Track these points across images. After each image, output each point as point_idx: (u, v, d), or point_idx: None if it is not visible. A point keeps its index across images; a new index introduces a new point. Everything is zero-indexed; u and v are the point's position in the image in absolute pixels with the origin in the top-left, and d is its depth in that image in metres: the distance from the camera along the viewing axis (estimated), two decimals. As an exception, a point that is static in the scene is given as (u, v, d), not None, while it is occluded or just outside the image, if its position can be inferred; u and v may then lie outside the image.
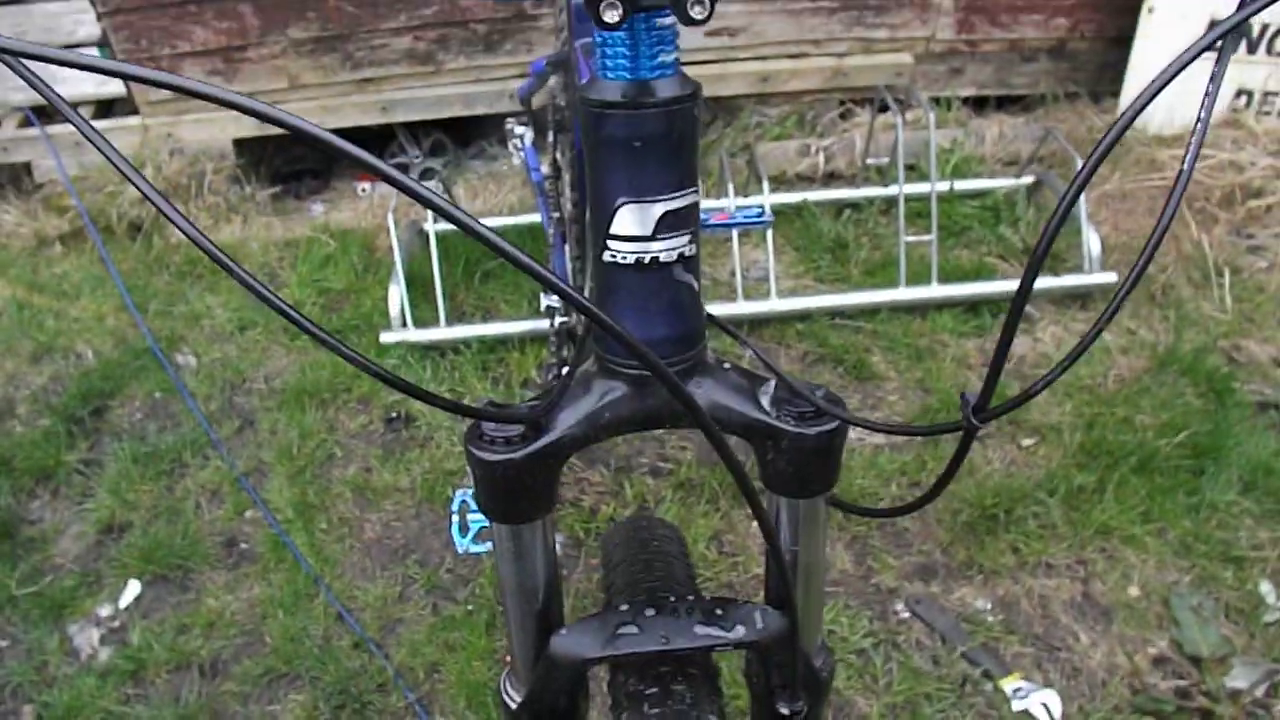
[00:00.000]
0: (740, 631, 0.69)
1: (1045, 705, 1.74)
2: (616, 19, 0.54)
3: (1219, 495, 2.03)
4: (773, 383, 0.67)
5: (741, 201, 2.46)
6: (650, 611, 0.70)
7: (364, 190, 3.10)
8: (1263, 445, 2.13)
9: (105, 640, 1.91)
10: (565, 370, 0.68)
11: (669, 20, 0.57)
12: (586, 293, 1.48)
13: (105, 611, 1.96)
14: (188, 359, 2.52)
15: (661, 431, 2.19)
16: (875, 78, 2.91)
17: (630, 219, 0.60)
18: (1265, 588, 1.90)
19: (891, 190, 2.53)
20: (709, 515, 2.01)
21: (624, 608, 0.70)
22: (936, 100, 3.06)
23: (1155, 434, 2.14)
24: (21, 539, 2.10)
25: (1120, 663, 1.81)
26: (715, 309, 2.39)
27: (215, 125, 2.92)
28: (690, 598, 0.73)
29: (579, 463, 2.14)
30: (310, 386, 2.36)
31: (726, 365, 0.68)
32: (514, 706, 0.74)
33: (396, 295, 2.39)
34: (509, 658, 0.75)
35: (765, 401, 0.66)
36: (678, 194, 0.60)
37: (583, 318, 1.64)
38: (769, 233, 2.38)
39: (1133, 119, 0.50)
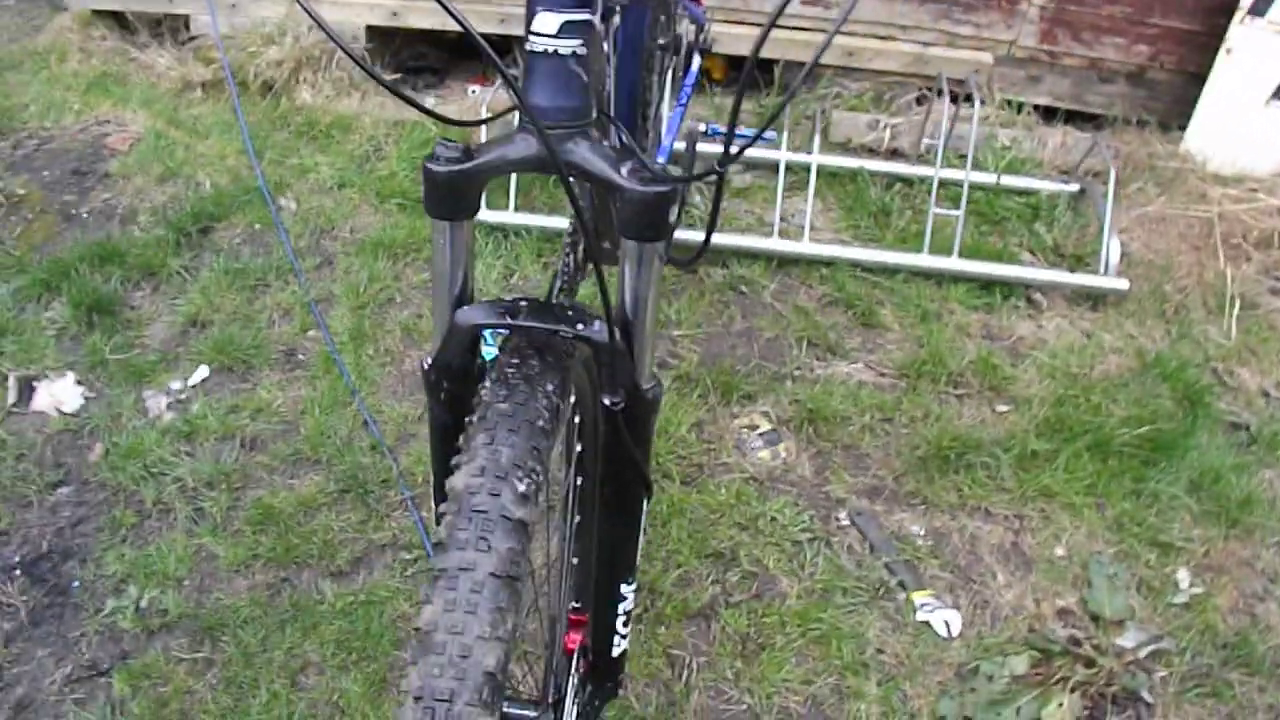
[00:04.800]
0: (580, 328, 0.97)
1: (946, 621, 1.95)
2: None
3: (1164, 487, 2.21)
4: (633, 161, 0.95)
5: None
6: (524, 303, 0.98)
7: (474, 91, 3.41)
8: (1221, 456, 2.29)
9: (171, 407, 2.26)
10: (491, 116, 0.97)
11: None
12: None
13: (176, 385, 2.31)
14: (289, 203, 2.87)
15: (677, 333, 2.47)
16: (954, 71, 3.10)
17: (542, 21, 0.88)
18: (1182, 575, 2.08)
19: (931, 170, 2.74)
20: (697, 407, 2.28)
21: (510, 299, 0.98)
22: (1009, 103, 3.24)
23: (1119, 423, 2.32)
24: (121, 318, 2.47)
25: (1027, 605, 2.01)
26: (751, 242, 2.64)
27: (352, 9, 3.25)
28: (556, 302, 1.01)
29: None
30: (387, 241, 2.68)
31: (605, 143, 0.96)
32: (425, 367, 1.03)
33: (475, 177, 2.69)
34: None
35: (624, 170, 0.94)
36: (575, 10, 0.89)
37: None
38: (811, 182, 2.65)
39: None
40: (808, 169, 2.74)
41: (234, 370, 2.35)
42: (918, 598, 1.99)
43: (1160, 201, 2.96)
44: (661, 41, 2.19)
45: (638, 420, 1.03)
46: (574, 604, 1.30)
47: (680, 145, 2.37)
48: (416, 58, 3.50)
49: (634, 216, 0.94)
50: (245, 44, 3.20)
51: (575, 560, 1.28)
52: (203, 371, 2.34)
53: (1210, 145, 3.09)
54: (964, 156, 2.78)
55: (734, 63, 3.42)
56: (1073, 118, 3.34)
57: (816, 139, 2.72)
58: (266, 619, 1.86)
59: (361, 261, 2.63)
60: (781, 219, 2.71)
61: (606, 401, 0.98)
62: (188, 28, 3.41)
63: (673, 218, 0.95)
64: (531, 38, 0.91)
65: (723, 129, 2.65)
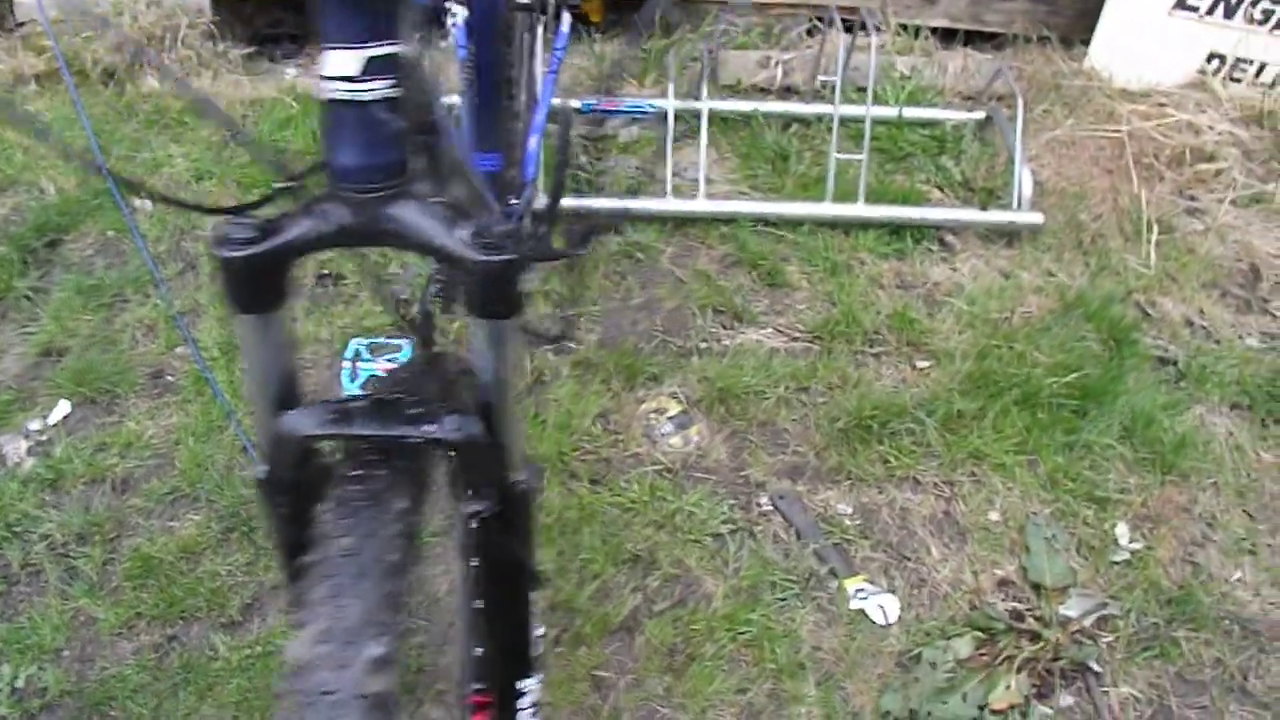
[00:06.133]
0: (432, 429, 0.81)
1: (882, 607, 1.85)
2: None
3: (1096, 438, 2.12)
4: (473, 224, 0.77)
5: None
6: (363, 404, 0.82)
7: (338, 59, 3.16)
8: (1151, 397, 2.21)
9: (31, 451, 2.05)
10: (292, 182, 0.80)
11: None
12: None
13: (35, 426, 2.09)
14: (144, 203, 2.62)
15: (573, 312, 2.31)
16: (847, -2, 2.95)
17: (337, 61, 0.70)
18: (1121, 529, 2.00)
19: (828, 108, 2.60)
20: (600, 394, 2.13)
21: (346, 399, 0.82)
22: (904, 27, 3.09)
23: (1046, 372, 2.22)
24: (-34, 356, 2.24)
25: (966, 579, 1.92)
26: (645, 204, 2.49)
27: (197, -21, 2.99)
28: (403, 398, 0.84)
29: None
30: (253, 239, 2.46)
31: (436, 201, 0.79)
32: (259, 478, 0.87)
33: (342, 160, 2.48)
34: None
35: (462, 236, 0.76)
36: (380, 43, 0.70)
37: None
38: (703, 131, 2.50)
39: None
40: (697, 116, 2.58)
41: (97, 402, 2.14)
42: (850, 585, 1.89)
43: (1069, 124, 2.85)
44: (524, 1, 2.00)
45: (515, 519, 0.88)
46: (475, 685, 1.16)
47: (557, 101, 2.19)
48: (272, 25, 3.23)
49: (480, 291, 0.78)
50: (79, 29, 2.91)
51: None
52: (64, 407, 2.13)
53: (1115, 60, 2.98)
54: (862, 90, 2.63)
55: (611, 3, 3.21)
56: (971, 39, 3.21)
57: (704, 84, 2.55)
58: (157, 685, 1.69)
59: (229, 264, 2.42)
60: (674, 174, 2.55)
61: (476, 508, 0.82)
62: (12, 13, 3.09)
63: (528, 287, 0.79)
64: (325, 83, 0.73)
65: (604, 104, 2.47)
